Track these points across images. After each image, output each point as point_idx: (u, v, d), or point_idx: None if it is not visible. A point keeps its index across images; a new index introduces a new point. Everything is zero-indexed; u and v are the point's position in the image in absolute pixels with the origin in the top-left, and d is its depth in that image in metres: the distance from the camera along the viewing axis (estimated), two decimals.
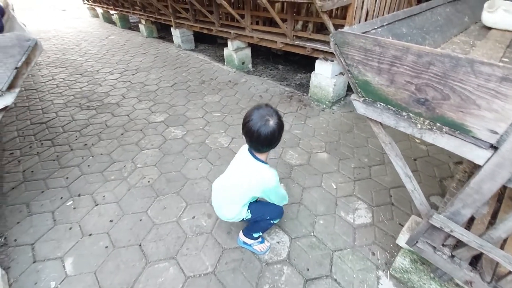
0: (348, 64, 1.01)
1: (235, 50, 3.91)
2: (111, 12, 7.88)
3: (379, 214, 1.68)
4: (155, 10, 5.52)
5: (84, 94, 3.52)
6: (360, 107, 1.05)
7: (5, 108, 1.21)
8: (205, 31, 4.39)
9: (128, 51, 5.41)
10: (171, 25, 5.19)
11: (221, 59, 4.66)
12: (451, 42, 1.67)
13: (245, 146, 1.25)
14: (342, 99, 3.03)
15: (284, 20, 2.91)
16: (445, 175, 1.99)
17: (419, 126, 0.91)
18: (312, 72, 2.92)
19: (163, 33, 6.81)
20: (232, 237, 1.56)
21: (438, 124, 0.88)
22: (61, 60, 4.96)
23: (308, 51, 2.84)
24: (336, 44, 1.01)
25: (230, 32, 3.78)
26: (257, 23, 3.59)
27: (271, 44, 3.28)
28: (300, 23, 3.02)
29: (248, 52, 4.03)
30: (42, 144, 2.52)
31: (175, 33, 5.17)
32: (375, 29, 1.21)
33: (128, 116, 2.96)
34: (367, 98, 1.05)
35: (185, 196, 1.85)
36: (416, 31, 1.49)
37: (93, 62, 4.75)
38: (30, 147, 2.49)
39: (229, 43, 3.93)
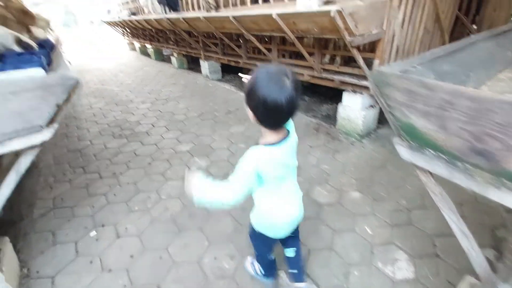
0: (390, 105, 0.94)
1: None
2: (147, 46, 8.59)
3: (423, 267, 1.47)
4: (186, 44, 5.92)
5: (117, 122, 3.71)
6: (405, 153, 0.95)
7: (43, 142, 1.26)
8: (233, 63, 4.57)
9: (160, 81, 5.75)
10: (201, 58, 5.49)
11: None
12: (496, 79, 1.55)
13: (256, 151, 0.89)
14: (373, 132, 2.90)
15: (311, 54, 2.94)
16: (497, 224, 1.75)
17: (478, 180, 0.79)
18: (340, 104, 2.86)
19: (192, 64, 7.22)
20: (255, 282, 1.43)
21: (503, 180, 0.76)
22: (100, 90, 5.37)
23: (336, 83, 2.80)
24: (375, 84, 0.94)
25: (256, 65, 3.88)
26: (284, 56, 3.68)
27: (298, 76, 3.30)
28: (328, 56, 3.04)
29: None
30: (74, 171, 2.62)
31: (204, 65, 5.45)
32: (414, 67, 1.14)
33: (156, 145, 3.04)
34: (412, 143, 0.95)
35: (207, 234, 1.77)
36: (459, 69, 1.40)
37: (127, 92, 5.08)
38: (64, 174, 2.59)
39: None
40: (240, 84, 5.14)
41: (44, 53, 2.47)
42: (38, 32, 3.56)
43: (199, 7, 5.30)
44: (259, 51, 4.05)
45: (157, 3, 6.06)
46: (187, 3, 5.82)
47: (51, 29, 6.31)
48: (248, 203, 1.13)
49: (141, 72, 6.77)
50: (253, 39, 3.22)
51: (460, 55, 1.49)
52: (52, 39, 3.57)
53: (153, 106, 4.28)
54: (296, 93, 0.80)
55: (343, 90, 2.80)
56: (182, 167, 2.55)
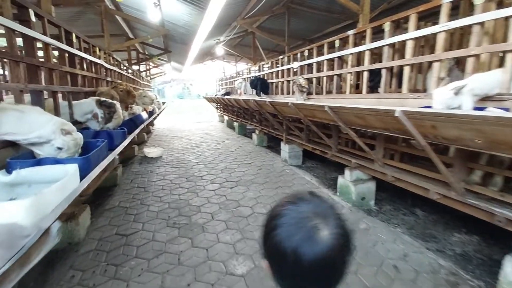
0: None
1: (354, 182, 3.07)
2: (234, 120, 9.10)
3: None
4: (269, 124, 5.73)
5: (178, 204, 3.30)
6: None
7: None
8: (318, 152, 3.89)
9: (236, 158, 5.50)
10: (282, 139, 5.09)
11: (331, 184, 3.88)
12: None
13: None
14: None
15: (448, 165, 1.95)
16: None
17: None
18: (508, 256, 1.60)
19: (272, 142, 6.96)
20: None
21: None
22: (179, 159, 5.43)
23: (499, 221, 1.65)
24: None
25: (350, 160, 3.06)
26: (392, 157, 2.75)
27: (417, 190, 2.28)
28: (478, 173, 1.96)
29: (371, 186, 3.10)
30: (106, 271, 2.11)
31: (284, 148, 4.98)
32: None
33: (207, 251, 2.34)
34: None
35: None
36: None
37: (202, 166, 4.91)
38: (94, 271, 2.10)
39: (346, 172, 3.17)
40: (323, 176, 4.30)
41: (119, 133, 2.38)
42: (135, 108, 3.95)
43: (288, 93, 5.18)
44: (354, 144, 3.27)
45: (250, 87, 6.37)
46: (276, 87, 5.88)
47: (156, 105, 7.37)
48: None
49: (222, 145, 6.85)
50: (352, 133, 2.50)
51: None
52: (145, 114, 3.88)
53: (220, 188, 3.81)
54: (338, 252, 0.53)
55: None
56: None
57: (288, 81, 5.17)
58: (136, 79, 6.99)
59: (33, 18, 1.80)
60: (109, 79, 4.03)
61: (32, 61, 1.82)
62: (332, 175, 4.28)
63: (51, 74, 2.16)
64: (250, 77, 7.16)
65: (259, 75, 6.65)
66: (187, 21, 6.06)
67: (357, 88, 3.32)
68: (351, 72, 3.18)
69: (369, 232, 2.61)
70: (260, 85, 6.13)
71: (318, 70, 4.08)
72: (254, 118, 6.89)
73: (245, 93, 6.91)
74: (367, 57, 2.82)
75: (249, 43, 10.29)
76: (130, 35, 8.40)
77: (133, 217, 2.99)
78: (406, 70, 2.39)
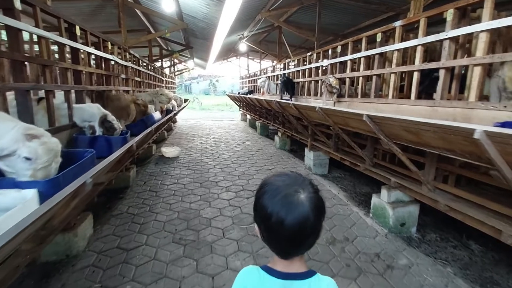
0: None
1: (392, 204, 2.57)
2: (256, 120, 8.73)
3: None
4: (293, 127, 5.29)
5: (188, 215, 3.02)
6: None
7: None
8: (347, 163, 3.40)
9: (256, 162, 5.15)
10: (306, 145, 4.63)
11: (362, 201, 3.37)
12: None
13: (248, 271, 0.73)
14: None
15: None
16: None
17: None
18: None
19: (295, 146, 6.51)
20: None
21: None
22: (196, 161, 5.19)
23: None
24: None
25: (388, 178, 2.56)
26: (445, 181, 2.19)
27: (481, 227, 1.75)
28: None
29: (414, 210, 2.57)
30: None
31: (309, 154, 4.52)
32: None
33: (212, 279, 2.02)
34: None
35: None
36: None
37: (218, 170, 4.62)
38: None
39: (383, 191, 2.67)
40: (353, 190, 3.79)
41: (119, 140, 2.11)
42: (149, 108, 3.75)
43: (315, 94, 4.71)
44: (394, 157, 2.75)
45: (273, 86, 5.95)
46: (302, 86, 5.41)
47: (178, 102, 7.22)
48: None
49: (242, 146, 6.53)
50: (396, 149, 2.01)
51: None
52: (158, 114, 3.65)
53: (236, 198, 3.48)
54: (313, 215, 0.65)
55: None
56: None
57: (316, 81, 4.69)
58: (157, 75, 6.84)
59: (18, 6, 1.56)
60: (123, 76, 3.83)
61: (14, 56, 1.58)
62: (363, 189, 3.76)
63: (45, 71, 1.94)
64: (280, 75, 6.71)
65: (285, 74, 6.21)
66: (206, 13, 5.75)
67: (400, 91, 2.78)
68: (395, 72, 2.64)
69: (412, 270, 2.12)
70: (291, 85, 5.69)
71: (353, 69, 3.56)
72: (277, 119, 6.47)
73: (268, 92, 6.50)
74: (418, 54, 2.27)
75: (275, 39, 9.82)
76: (152, 30, 8.27)
77: (138, 227, 2.76)
78: (476, 72, 1.83)
